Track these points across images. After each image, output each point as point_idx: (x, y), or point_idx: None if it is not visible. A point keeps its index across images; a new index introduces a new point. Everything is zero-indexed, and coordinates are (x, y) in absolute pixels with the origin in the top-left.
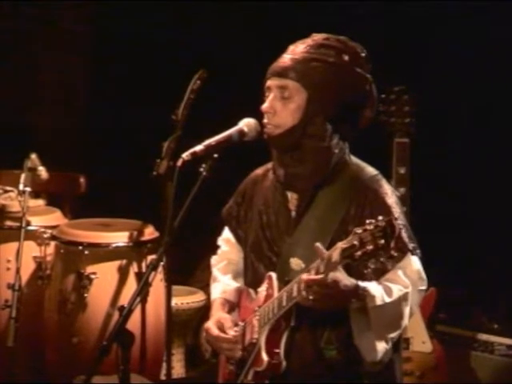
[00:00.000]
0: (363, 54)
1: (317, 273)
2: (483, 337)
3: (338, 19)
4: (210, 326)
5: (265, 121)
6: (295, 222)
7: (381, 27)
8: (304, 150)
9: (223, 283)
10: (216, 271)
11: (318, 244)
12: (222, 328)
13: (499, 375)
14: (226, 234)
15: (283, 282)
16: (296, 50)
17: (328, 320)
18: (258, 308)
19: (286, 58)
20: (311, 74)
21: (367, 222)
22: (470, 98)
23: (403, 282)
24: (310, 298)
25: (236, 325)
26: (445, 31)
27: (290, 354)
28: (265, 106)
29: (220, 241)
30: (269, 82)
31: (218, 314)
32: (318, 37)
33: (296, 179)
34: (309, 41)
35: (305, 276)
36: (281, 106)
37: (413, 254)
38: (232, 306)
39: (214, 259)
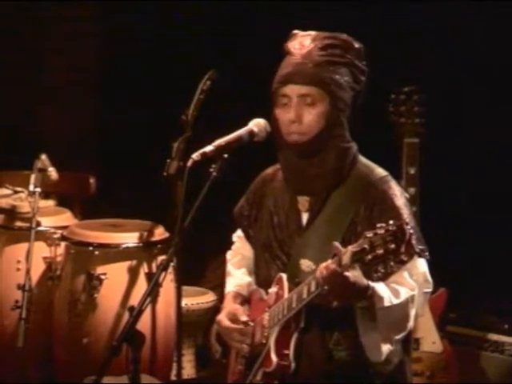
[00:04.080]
0: (358, 45)
1: (338, 265)
2: (493, 337)
3: (345, 18)
4: (222, 318)
5: (291, 130)
6: (305, 223)
7: (391, 27)
8: (328, 151)
9: (236, 277)
10: (230, 266)
11: (335, 243)
12: (233, 319)
13: (509, 375)
14: (240, 230)
15: (293, 283)
16: (308, 54)
17: (337, 321)
18: (268, 309)
19: (302, 64)
20: (330, 77)
21: (378, 225)
22: (480, 97)
23: (409, 285)
24: (326, 287)
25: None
26: (456, 30)
27: (300, 354)
28: (292, 116)
29: (234, 237)
30: (286, 90)
31: (229, 305)
32: (317, 36)
33: (312, 182)
34: (311, 44)
35: (329, 264)
36: (305, 113)
37: (420, 257)
38: (244, 300)
39: (228, 254)
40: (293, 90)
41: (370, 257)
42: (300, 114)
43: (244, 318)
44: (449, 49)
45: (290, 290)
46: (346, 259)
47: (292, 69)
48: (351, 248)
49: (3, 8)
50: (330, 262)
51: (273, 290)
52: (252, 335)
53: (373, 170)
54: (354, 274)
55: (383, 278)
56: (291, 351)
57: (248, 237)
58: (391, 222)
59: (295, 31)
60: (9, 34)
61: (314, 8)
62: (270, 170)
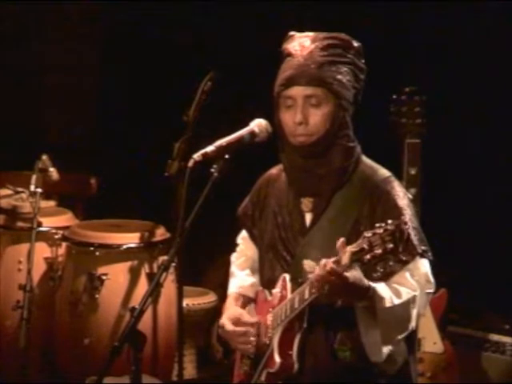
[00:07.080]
0: (357, 44)
1: (337, 265)
2: (494, 337)
3: (348, 18)
4: (225, 321)
5: (297, 131)
6: (309, 224)
7: (393, 27)
8: (334, 151)
9: (239, 278)
10: (234, 267)
11: (342, 239)
12: (237, 323)
13: (510, 376)
14: (244, 232)
15: (296, 283)
16: (309, 55)
17: (341, 321)
18: (271, 309)
19: (304, 66)
20: (333, 77)
21: (376, 225)
22: (483, 98)
23: (411, 285)
24: (326, 288)
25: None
26: (458, 31)
27: (304, 355)
28: (298, 117)
29: (239, 239)
30: (290, 92)
31: (231, 309)
32: (317, 37)
33: (317, 182)
34: (312, 45)
35: (327, 263)
36: (311, 114)
37: (422, 257)
38: (247, 301)
39: (233, 256)
40: (297, 92)
41: (368, 256)
42: (306, 115)
43: (253, 320)
44: (450, 49)
45: (293, 291)
46: (345, 259)
47: (295, 70)
48: (350, 248)
49: (4, 9)
50: (329, 260)
51: (276, 290)
52: (256, 336)
53: (376, 170)
54: (354, 275)
55: (383, 278)
56: (294, 351)
57: (252, 237)
58: (390, 221)
59: (292, 33)
60: (10, 34)
61: (314, 8)
62: (274, 170)
